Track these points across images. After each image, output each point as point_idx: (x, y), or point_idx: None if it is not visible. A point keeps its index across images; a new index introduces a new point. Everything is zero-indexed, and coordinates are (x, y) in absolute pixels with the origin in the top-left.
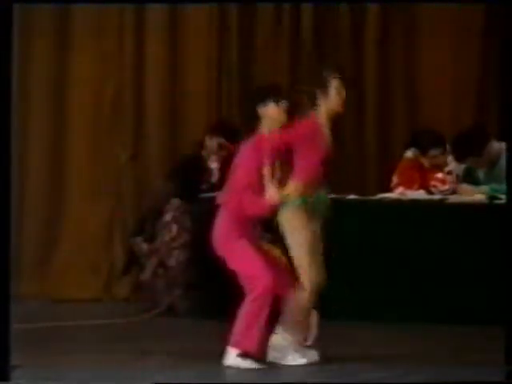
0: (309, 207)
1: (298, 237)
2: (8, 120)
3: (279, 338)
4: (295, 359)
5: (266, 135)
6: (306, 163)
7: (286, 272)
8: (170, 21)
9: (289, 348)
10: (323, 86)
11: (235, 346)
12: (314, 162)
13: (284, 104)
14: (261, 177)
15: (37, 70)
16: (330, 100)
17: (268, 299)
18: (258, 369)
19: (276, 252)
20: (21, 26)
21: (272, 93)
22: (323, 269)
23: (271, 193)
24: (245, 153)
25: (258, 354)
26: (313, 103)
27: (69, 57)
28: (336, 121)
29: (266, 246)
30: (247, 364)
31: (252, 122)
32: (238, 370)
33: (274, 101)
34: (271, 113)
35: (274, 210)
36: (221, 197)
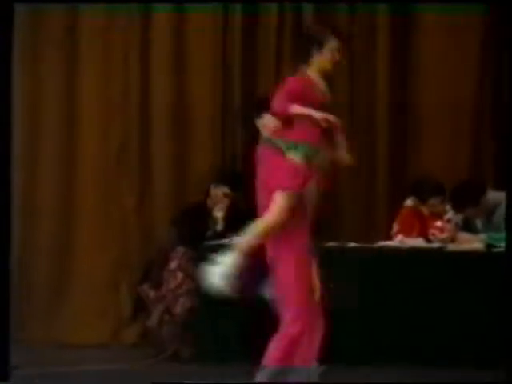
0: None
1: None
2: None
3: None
4: None
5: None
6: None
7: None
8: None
9: None
10: (319, 44)
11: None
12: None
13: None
14: None
15: (46, 123)
16: (324, 58)
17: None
18: None
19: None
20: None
21: (266, 105)
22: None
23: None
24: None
25: None
26: (306, 60)
27: (77, 108)
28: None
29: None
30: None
31: (251, 135)
32: None
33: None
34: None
35: None
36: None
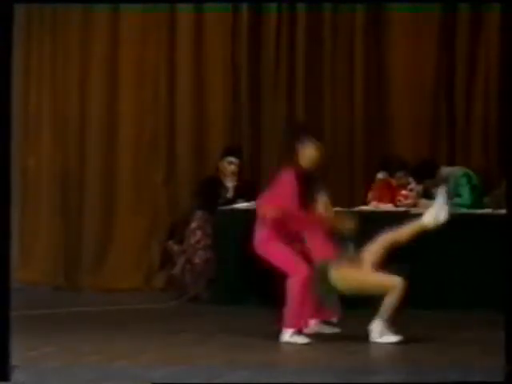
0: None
1: (360, 275)
2: (8, 128)
3: (377, 324)
4: (389, 338)
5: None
6: None
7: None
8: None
9: (384, 330)
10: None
11: (290, 326)
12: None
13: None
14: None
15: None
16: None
17: (309, 282)
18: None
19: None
20: None
21: (309, 133)
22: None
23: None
24: (285, 179)
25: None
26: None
27: (117, 111)
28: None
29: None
30: (301, 340)
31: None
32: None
33: (311, 141)
34: (308, 152)
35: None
36: (260, 207)
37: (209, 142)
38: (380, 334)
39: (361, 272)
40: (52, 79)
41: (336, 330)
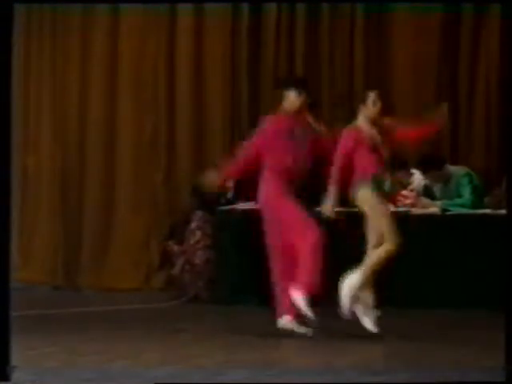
0: (377, 188)
1: (379, 211)
2: (8, 128)
3: (355, 279)
4: (368, 323)
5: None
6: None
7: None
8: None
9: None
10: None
11: (303, 288)
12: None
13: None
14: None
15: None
16: (368, 110)
17: (317, 248)
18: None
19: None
20: None
21: (297, 83)
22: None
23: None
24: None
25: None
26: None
27: (117, 110)
28: None
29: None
30: (298, 328)
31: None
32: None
33: (296, 90)
34: (291, 99)
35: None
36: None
37: (208, 141)
38: (350, 297)
39: (383, 211)
40: (52, 79)
41: (309, 331)
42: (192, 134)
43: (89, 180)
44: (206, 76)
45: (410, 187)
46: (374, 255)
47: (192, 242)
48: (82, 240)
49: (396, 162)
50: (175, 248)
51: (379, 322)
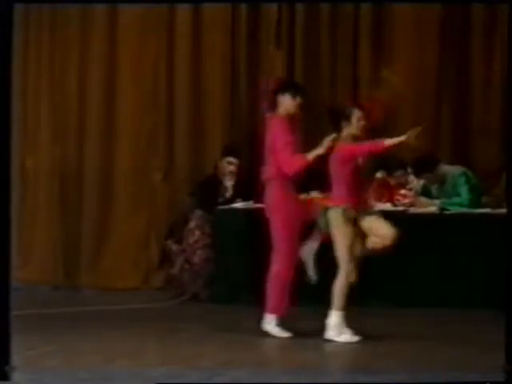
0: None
1: (342, 237)
2: (8, 128)
3: (334, 318)
4: (348, 338)
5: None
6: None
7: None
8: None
9: (342, 327)
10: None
11: (272, 312)
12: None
13: (299, 100)
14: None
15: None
16: (352, 127)
17: (291, 274)
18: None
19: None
20: None
21: (292, 87)
22: (356, 267)
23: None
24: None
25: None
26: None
27: (116, 109)
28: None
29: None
30: (280, 333)
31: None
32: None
33: (290, 94)
34: (286, 104)
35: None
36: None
37: (207, 141)
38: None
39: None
40: (51, 77)
41: (286, 334)
42: (191, 133)
43: (87, 179)
44: (205, 76)
45: (408, 186)
46: (336, 287)
47: (191, 241)
48: (82, 240)
49: (394, 162)
50: (174, 247)
51: (379, 322)
